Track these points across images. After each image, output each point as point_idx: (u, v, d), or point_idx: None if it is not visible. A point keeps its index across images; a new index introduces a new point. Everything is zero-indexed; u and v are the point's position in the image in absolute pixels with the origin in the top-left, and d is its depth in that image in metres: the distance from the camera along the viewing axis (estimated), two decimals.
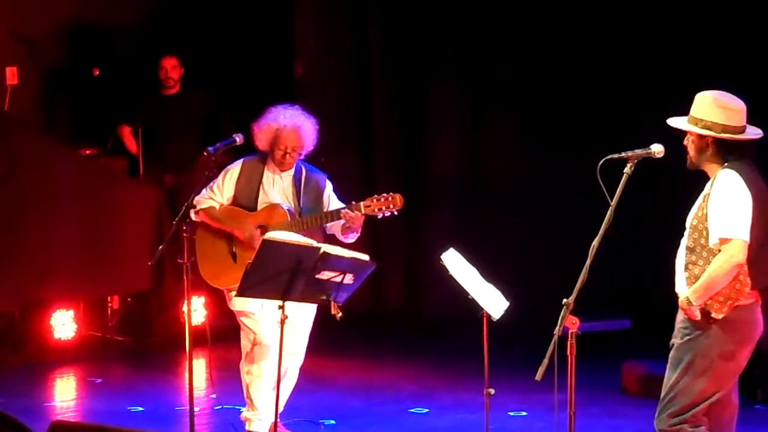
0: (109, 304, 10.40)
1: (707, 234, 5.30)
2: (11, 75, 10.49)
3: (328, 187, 6.98)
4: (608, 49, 10.10)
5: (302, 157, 6.98)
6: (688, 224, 5.41)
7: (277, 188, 6.90)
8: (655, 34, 9.95)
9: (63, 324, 9.71)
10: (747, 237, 5.22)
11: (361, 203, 6.72)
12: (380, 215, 6.77)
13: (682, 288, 5.43)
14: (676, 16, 9.83)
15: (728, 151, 5.34)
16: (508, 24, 10.53)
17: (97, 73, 11.08)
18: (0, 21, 10.52)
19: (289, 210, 6.81)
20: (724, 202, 5.25)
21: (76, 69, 11.10)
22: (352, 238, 6.88)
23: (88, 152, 10.61)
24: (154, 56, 10.69)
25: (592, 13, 10.15)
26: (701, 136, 5.37)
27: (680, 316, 5.49)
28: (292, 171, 6.94)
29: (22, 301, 9.61)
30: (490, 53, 10.68)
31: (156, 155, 10.66)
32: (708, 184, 5.40)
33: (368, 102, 11.13)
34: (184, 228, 6.44)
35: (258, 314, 6.83)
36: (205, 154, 6.65)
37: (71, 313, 9.77)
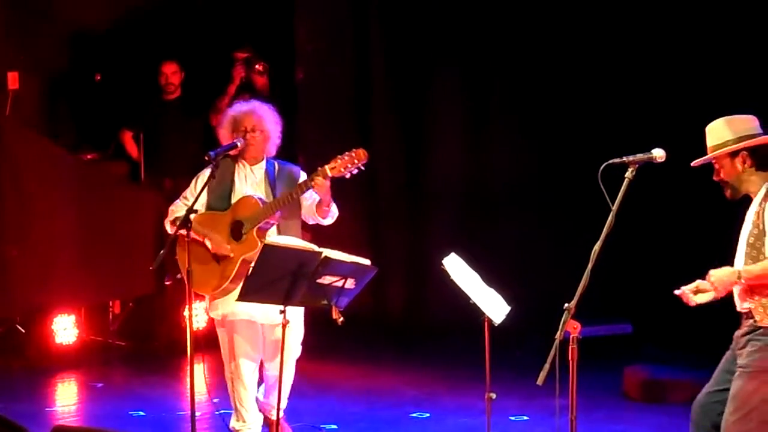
0: (111, 309, 10.42)
1: (766, 249, 5.22)
2: (13, 80, 10.50)
3: (302, 176, 6.87)
4: (610, 53, 10.10)
5: (272, 155, 6.95)
6: (743, 242, 5.30)
7: (250, 182, 6.87)
8: (657, 39, 9.96)
9: (64, 329, 9.72)
10: None
11: (327, 166, 6.58)
12: (347, 174, 6.60)
13: (742, 305, 5.35)
14: (678, 20, 9.83)
15: (766, 157, 5.29)
16: (511, 29, 10.54)
17: (99, 78, 11.11)
18: (1, 26, 10.53)
19: (260, 198, 6.74)
20: None
21: (78, 74, 11.12)
22: (329, 216, 6.79)
23: (89, 157, 10.64)
24: (154, 61, 10.71)
25: (594, 18, 10.16)
26: (733, 156, 5.29)
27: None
28: (263, 164, 6.90)
29: (23, 306, 9.61)
30: (492, 58, 10.69)
31: (157, 160, 10.67)
32: (756, 200, 5.29)
33: (370, 107, 11.13)
34: (185, 234, 6.43)
35: (228, 323, 6.81)
36: (206, 158, 6.64)
37: (72, 318, 9.78)
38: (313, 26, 11.20)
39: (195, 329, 7.67)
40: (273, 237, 6.63)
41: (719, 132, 5.33)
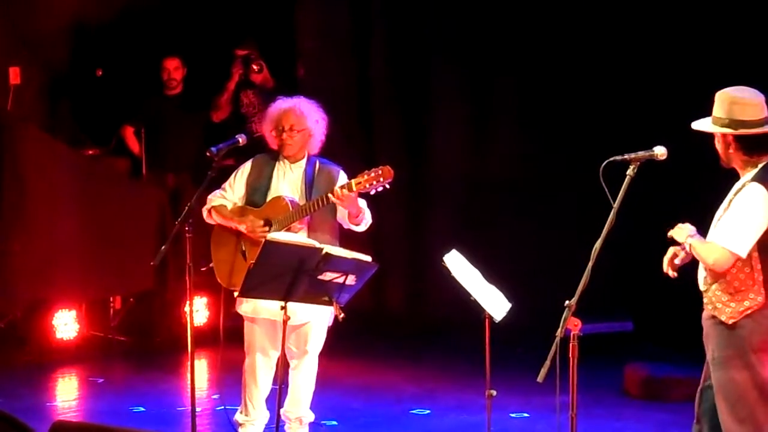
0: (112, 305, 10.42)
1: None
2: (14, 75, 10.50)
3: (342, 178, 6.81)
4: (611, 50, 10.10)
5: (315, 152, 6.92)
6: (713, 225, 5.38)
7: (288, 181, 6.82)
8: (659, 35, 9.95)
9: (65, 324, 9.72)
10: (741, 254, 5.20)
11: (353, 181, 6.56)
12: (373, 191, 6.54)
13: (699, 282, 5.41)
14: (680, 17, 9.82)
15: (751, 146, 5.31)
16: (512, 26, 10.53)
17: (100, 73, 11.12)
18: (3, 21, 10.53)
19: (291, 201, 6.69)
20: (739, 215, 5.22)
21: (79, 69, 11.12)
22: (362, 224, 6.74)
23: (90, 152, 10.64)
24: (157, 57, 10.71)
25: (595, 15, 10.15)
26: (723, 135, 5.35)
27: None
28: (303, 163, 6.85)
29: (24, 301, 9.61)
30: (494, 55, 10.69)
31: (158, 156, 10.67)
32: (737, 184, 5.36)
33: (370, 103, 11.13)
34: (187, 229, 6.43)
35: (250, 319, 6.80)
36: (208, 154, 6.64)
37: (73, 313, 9.77)
38: (315, 23, 11.19)
39: (195, 325, 7.69)
40: (275, 233, 6.61)
41: (721, 107, 5.35)
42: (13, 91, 10.44)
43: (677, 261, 5.46)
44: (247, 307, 6.73)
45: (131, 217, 9.93)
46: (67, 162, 9.82)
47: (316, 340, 6.81)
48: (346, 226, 6.82)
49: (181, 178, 10.41)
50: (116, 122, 10.87)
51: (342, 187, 6.57)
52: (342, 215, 6.77)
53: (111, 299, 10.41)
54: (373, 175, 6.51)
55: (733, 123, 5.30)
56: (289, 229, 6.64)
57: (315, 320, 6.72)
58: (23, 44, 10.65)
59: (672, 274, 5.46)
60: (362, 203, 6.72)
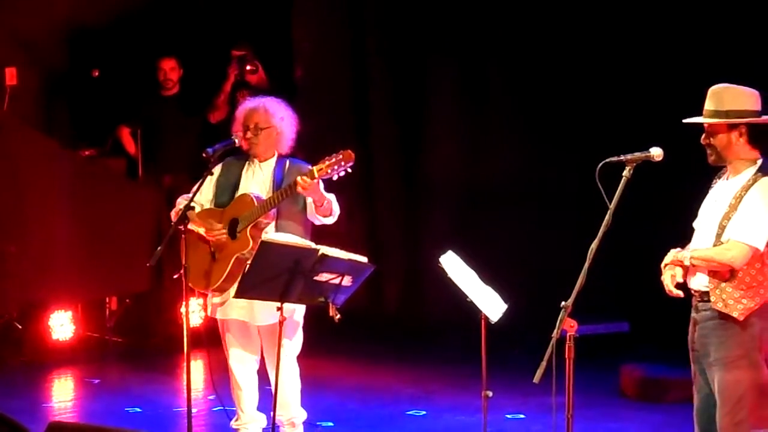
0: (108, 305, 10.42)
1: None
2: (11, 76, 10.49)
3: None
4: (607, 52, 10.10)
5: (284, 151, 6.88)
6: (714, 222, 5.31)
7: (256, 179, 6.78)
8: (654, 37, 9.96)
9: (61, 325, 9.72)
10: (761, 247, 5.18)
11: (314, 167, 6.46)
12: (335, 176, 6.46)
13: (697, 283, 5.36)
14: (676, 18, 9.83)
15: (758, 136, 5.26)
16: (508, 28, 10.54)
17: (97, 74, 11.10)
18: None
19: (257, 197, 6.63)
20: (756, 209, 5.19)
21: (76, 70, 11.11)
22: (330, 215, 6.66)
23: (87, 153, 10.64)
24: (153, 58, 10.70)
25: (591, 16, 10.16)
26: (730, 128, 5.28)
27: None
28: (272, 163, 6.81)
29: (20, 302, 9.61)
30: (490, 57, 10.69)
31: (155, 156, 10.68)
32: (737, 181, 5.29)
33: (367, 105, 11.13)
34: (183, 229, 6.42)
35: (222, 322, 6.79)
36: (204, 155, 6.63)
37: (69, 314, 9.78)
38: (310, 23, 11.19)
39: (191, 325, 7.68)
40: (270, 234, 6.60)
41: (723, 98, 5.29)
42: (10, 92, 10.44)
43: (679, 279, 5.39)
44: (216, 308, 6.73)
45: (127, 217, 9.93)
46: (64, 163, 9.83)
47: (288, 340, 6.75)
48: (317, 222, 6.75)
49: (178, 179, 10.40)
50: (112, 123, 10.87)
51: (304, 174, 6.49)
52: (311, 210, 6.71)
53: (107, 300, 10.41)
54: (334, 160, 6.42)
55: (746, 113, 5.25)
56: (256, 225, 6.58)
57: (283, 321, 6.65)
58: (20, 45, 10.64)
59: (679, 293, 5.39)
60: (330, 196, 6.66)
